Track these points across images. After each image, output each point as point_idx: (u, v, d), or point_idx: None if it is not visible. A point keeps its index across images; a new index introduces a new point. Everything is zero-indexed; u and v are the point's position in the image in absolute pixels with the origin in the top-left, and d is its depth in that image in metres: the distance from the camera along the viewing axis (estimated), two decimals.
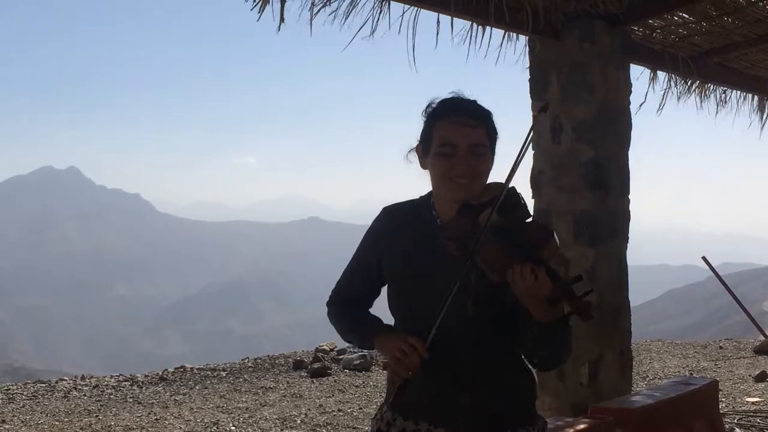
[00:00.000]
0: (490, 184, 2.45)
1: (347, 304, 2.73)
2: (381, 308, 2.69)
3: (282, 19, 4.10)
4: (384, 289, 2.67)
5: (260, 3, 4.05)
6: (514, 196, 2.35)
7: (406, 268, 2.54)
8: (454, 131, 2.42)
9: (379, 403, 2.69)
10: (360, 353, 11.24)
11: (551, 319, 2.20)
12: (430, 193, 2.60)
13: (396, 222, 2.62)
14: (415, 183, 2.58)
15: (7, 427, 7.94)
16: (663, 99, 6.36)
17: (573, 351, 2.41)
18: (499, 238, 2.25)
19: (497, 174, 2.47)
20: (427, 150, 2.50)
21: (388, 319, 2.55)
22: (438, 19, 4.73)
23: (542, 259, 2.19)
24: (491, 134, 2.48)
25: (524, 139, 2.35)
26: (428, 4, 4.53)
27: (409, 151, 2.58)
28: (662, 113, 6.40)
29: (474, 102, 2.50)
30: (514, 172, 2.32)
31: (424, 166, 2.54)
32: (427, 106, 2.54)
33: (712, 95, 6.85)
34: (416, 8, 4.58)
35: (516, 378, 2.54)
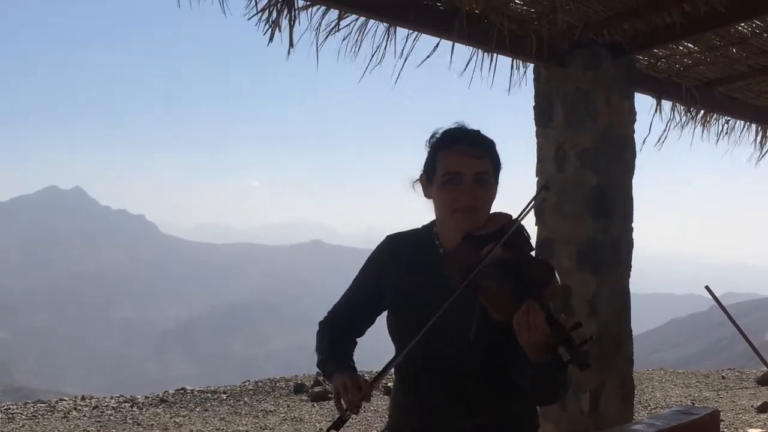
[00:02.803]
0: (493, 214, 2.46)
1: (335, 330, 2.73)
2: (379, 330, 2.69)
3: (291, 45, 4.12)
4: (382, 316, 2.68)
5: (270, 27, 4.07)
6: (518, 229, 2.35)
7: (407, 296, 2.54)
8: (459, 161, 2.43)
9: (379, 429, 2.69)
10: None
11: (547, 362, 2.19)
12: (433, 222, 2.60)
13: (399, 250, 2.63)
14: (420, 208, 2.59)
15: None
16: (666, 129, 6.37)
17: (572, 383, 2.39)
18: (502, 274, 2.25)
19: (497, 205, 2.49)
20: (431, 180, 2.51)
21: (387, 343, 2.55)
22: (438, 44, 4.76)
23: (544, 302, 2.19)
24: (495, 164, 2.49)
25: (524, 206, 2.36)
26: (432, 30, 4.56)
27: (414, 182, 2.59)
28: (667, 141, 6.39)
29: (477, 132, 2.52)
30: (514, 225, 2.33)
31: (428, 195, 2.55)
32: (431, 137, 2.55)
33: (715, 125, 6.86)
34: (420, 34, 4.60)
35: (518, 405, 2.53)
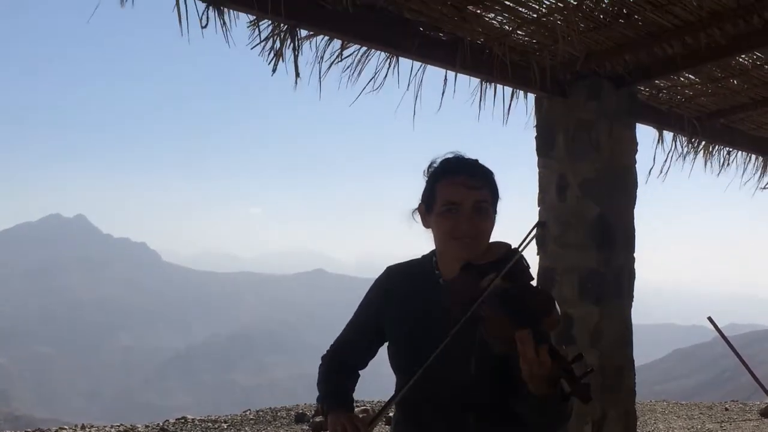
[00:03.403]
0: (492, 243, 2.46)
1: (336, 365, 2.75)
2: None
3: (297, 75, 4.14)
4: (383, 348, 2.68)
5: (275, 58, 4.09)
6: (519, 260, 2.35)
7: (407, 329, 2.54)
8: (458, 191, 2.43)
9: None
10: (362, 407, 11.16)
11: (548, 394, 2.19)
12: (432, 252, 2.60)
13: (398, 282, 2.64)
14: (421, 238, 2.59)
15: None
16: (668, 160, 6.39)
17: (573, 414, 2.38)
18: (502, 305, 2.24)
19: (497, 234, 2.49)
20: (429, 209, 2.51)
21: (388, 373, 2.55)
22: (446, 76, 4.78)
23: (545, 333, 2.19)
24: (493, 194, 2.50)
25: (521, 241, 2.36)
26: (434, 60, 4.58)
27: (413, 212, 2.60)
28: (669, 172, 6.41)
29: (476, 162, 2.53)
30: (515, 256, 2.34)
31: (426, 225, 2.55)
32: (429, 166, 2.56)
33: (716, 156, 6.89)
34: (423, 64, 4.63)
35: None
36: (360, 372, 2.79)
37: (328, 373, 2.73)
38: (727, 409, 13.57)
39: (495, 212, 2.51)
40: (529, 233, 2.36)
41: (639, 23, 4.46)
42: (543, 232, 5.35)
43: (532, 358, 2.12)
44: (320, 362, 2.78)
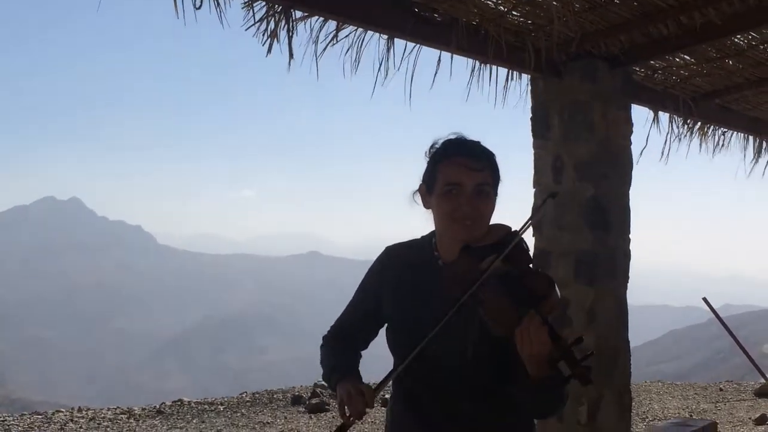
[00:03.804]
0: (492, 225, 2.45)
1: (339, 343, 2.73)
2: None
3: (291, 56, 4.12)
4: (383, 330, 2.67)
5: (269, 38, 4.08)
6: (519, 242, 2.34)
7: (405, 309, 2.53)
8: (459, 172, 2.42)
9: None
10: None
11: (547, 376, 2.19)
12: (432, 233, 2.59)
13: (397, 262, 2.62)
14: (420, 220, 2.58)
15: None
16: (666, 143, 6.39)
17: (569, 396, 2.38)
18: (502, 287, 2.24)
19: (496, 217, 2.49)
20: (430, 190, 2.49)
21: (385, 356, 2.54)
22: (440, 57, 4.77)
23: (545, 315, 2.18)
24: (495, 176, 2.48)
25: (529, 217, 2.36)
26: (430, 42, 4.57)
27: (414, 193, 2.59)
28: (665, 153, 6.42)
29: (478, 143, 2.51)
30: (525, 230, 2.34)
31: (427, 206, 2.54)
32: (431, 147, 2.54)
33: (711, 136, 6.89)
34: (419, 45, 4.61)
35: (516, 419, 2.52)
36: (362, 353, 2.78)
37: (331, 352, 2.71)
38: (721, 390, 13.64)
39: (496, 194, 2.49)
40: (543, 203, 2.36)
41: (634, 3, 4.45)
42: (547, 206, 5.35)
43: (533, 340, 2.12)
44: (321, 342, 2.77)
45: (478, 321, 2.31)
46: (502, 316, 2.21)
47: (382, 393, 2.22)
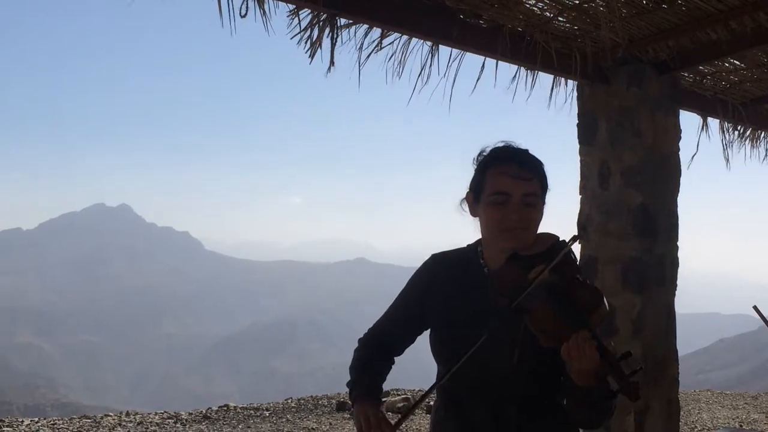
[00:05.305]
0: (540, 234, 2.43)
1: (371, 351, 2.72)
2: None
3: (332, 63, 4.14)
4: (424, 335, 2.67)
5: (311, 46, 4.10)
6: (567, 253, 2.32)
7: (450, 317, 2.52)
8: (508, 181, 2.40)
9: None
10: (403, 395, 11.17)
11: (594, 389, 2.16)
12: (478, 242, 2.58)
13: (443, 270, 2.61)
14: (462, 227, 2.57)
15: None
16: (725, 150, 6.34)
17: (615, 410, 2.35)
18: (550, 298, 2.22)
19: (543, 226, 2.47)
20: (478, 198, 2.48)
21: (429, 361, 2.54)
22: (484, 63, 4.76)
23: (593, 329, 2.16)
24: (543, 185, 2.47)
25: (563, 251, 2.33)
26: (476, 49, 4.56)
27: (461, 201, 2.58)
28: (713, 158, 6.35)
29: (526, 151, 2.49)
30: (564, 250, 2.32)
31: (474, 214, 2.52)
32: (479, 154, 2.53)
33: (762, 142, 6.79)
34: (461, 52, 4.60)
35: (560, 428, 2.50)
36: (398, 359, 2.77)
37: (362, 359, 2.71)
38: None
39: (544, 203, 2.47)
40: (567, 246, 2.32)
41: (682, 8, 4.40)
42: (583, 232, 5.31)
43: (582, 355, 2.10)
44: (357, 345, 2.76)
45: (524, 330, 2.30)
46: (549, 327, 2.19)
47: (427, 400, 2.21)
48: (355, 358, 2.72)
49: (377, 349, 2.72)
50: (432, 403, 2.74)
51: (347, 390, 2.63)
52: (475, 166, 2.53)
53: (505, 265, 2.38)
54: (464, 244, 2.64)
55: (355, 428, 2.47)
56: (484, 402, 2.47)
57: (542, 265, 2.26)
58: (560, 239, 2.38)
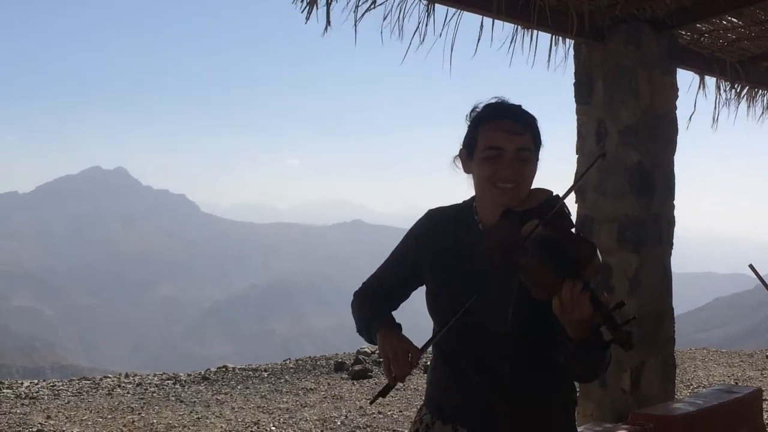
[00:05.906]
0: (534, 190, 2.42)
1: (371, 296, 2.71)
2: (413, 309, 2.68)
3: (328, 22, 4.11)
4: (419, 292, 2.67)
5: (308, 6, 4.07)
6: (560, 207, 2.31)
7: (445, 274, 2.52)
8: (501, 136, 2.38)
9: (419, 406, 2.68)
10: None
11: (588, 340, 2.17)
12: (472, 198, 2.57)
13: (438, 225, 2.60)
14: (461, 188, 2.56)
15: (52, 422, 8.07)
16: (716, 108, 6.30)
17: (612, 361, 2.36)
18: (543, 252, 2.21)
19: (537, 182, 2.46)
20: (471, 154, 2.47)
21: (425, 321, 2.54)
22: (482, 22, 4.73)
23: (586, 280, 2.16)
24: (536, 140, 2.45)
25: (586, 168, 2.33)
26: (472, 7, 4.52)
27: (455, 158, 2.56)
28: (707, 117, 6.33)
29: (519, 107, 2.47)
30: (570, 192, 2.31)
31: (467, 170, 2.51)
32: (472, 111, 2.50)
33: (759, 101, 6.75)
34: (460, 11, 4.57)
35: (556, 383, 2.51)
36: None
37: (367, 303, 2.69)
38: None
39: (537, 159, 2.46)
40: (594, 162, 2.32)
41: None
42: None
43: (575, 305, 2.10)
44: (353, 298, 2.74)
45: (518, 286, 2.30)
46: (542, 280, 2.19)
47: (423, 359, 2.23)
48: (355, 305, 2.71)
49: (373, 296, 2.71)
50: (429, 362, 2.74)
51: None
52: (469, 123, 2.52)
53: (499, 221, 2.37)
54: (460, 201, 2.64)
55: (382, 362, 2.45)
56: (480, 360, 2.48)
57: (536, 219, 2.26)
58: (554, 194, 2.37)
